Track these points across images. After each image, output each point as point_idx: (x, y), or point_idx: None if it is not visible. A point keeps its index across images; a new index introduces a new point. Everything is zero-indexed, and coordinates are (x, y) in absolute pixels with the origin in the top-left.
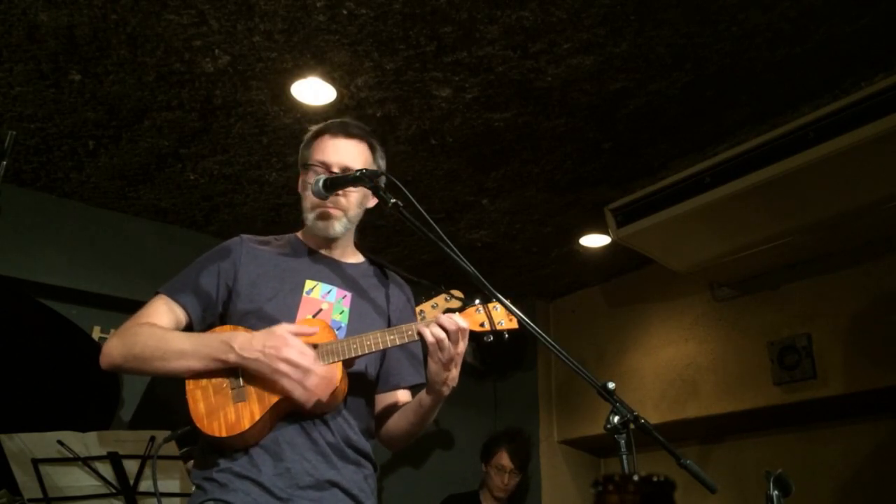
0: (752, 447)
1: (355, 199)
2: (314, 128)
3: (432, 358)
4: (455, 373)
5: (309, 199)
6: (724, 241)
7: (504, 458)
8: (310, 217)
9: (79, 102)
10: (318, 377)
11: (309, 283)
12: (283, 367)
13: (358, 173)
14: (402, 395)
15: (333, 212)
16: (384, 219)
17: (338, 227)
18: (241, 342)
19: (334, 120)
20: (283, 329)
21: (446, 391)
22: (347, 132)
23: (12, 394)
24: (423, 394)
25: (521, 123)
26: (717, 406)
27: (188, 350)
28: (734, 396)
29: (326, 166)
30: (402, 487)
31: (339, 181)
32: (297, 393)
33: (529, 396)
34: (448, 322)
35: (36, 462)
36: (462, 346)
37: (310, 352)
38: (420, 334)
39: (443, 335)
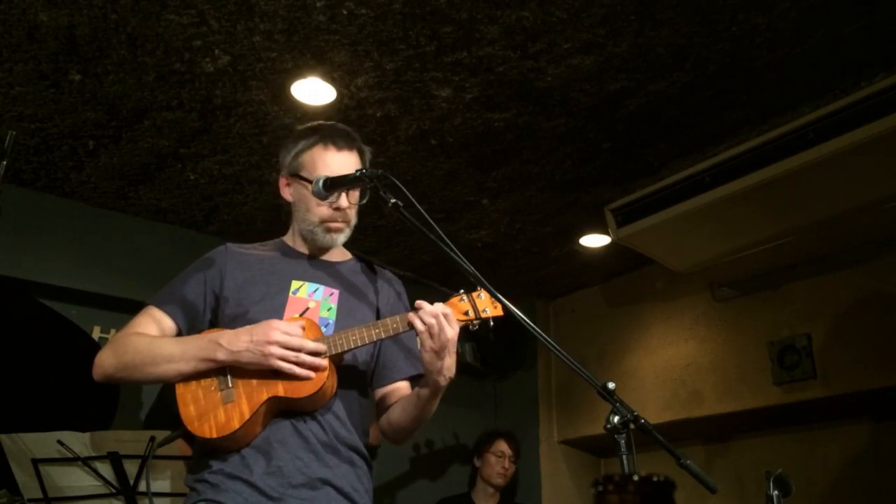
0: (752, 447)
1: (355, 210)
2: (306, 136)
3: (424, 347)
4: (449, 361)
5: (316, 211)
6: (724, 241)
7: (503, 445)
8: (316, 229)
9: (79, 102)
10: (311, 352)
11: (295, 284)
12: (274, 349)
13: (357, 173)
14: (402, 388)
15: (342, 225)
16: (384, 219)
17: (342, 238)
18: (229, 338)
19: (325, 127)
20: (267, 320)
21: (443, 381)
22: (347, 146)
23: (12, 394)
24: (420, 385)
25: (521, 123)
26: (717, 406)
27: (176, 353)
28: (734, 396)
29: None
30: (402, 487)
31: (339, 181)
32: (297, 371)
33: (529, 396)
34: (433, 309)
35: (36, 462)
36: (449, 331)
37: (297, 330)
38: (411, 324)
39: (432, 321)
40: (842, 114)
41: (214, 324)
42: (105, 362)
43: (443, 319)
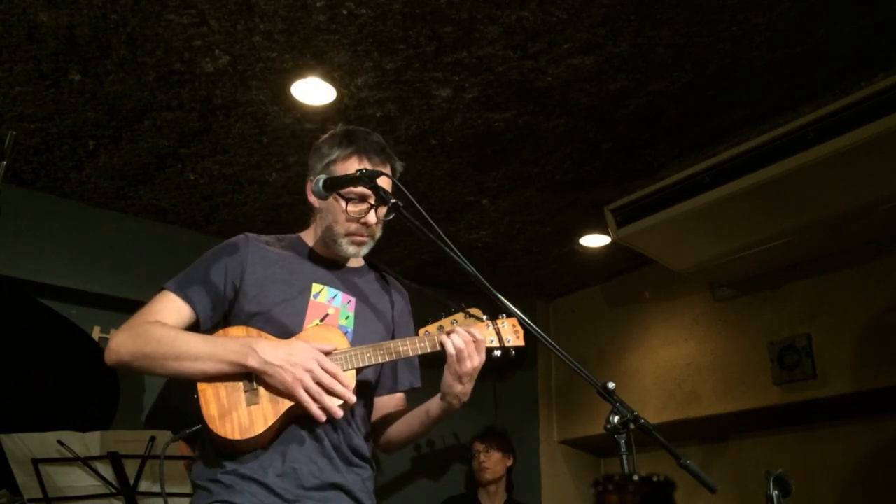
0: (752, 447)
1: (381, 224)
2: (341, 145)
3: (449, 369)
4: (468, 388)
5: (345, 224)
6: (724, 241)
7: (475, 445)
8: (341, 240)
9: (79, 102)
10: (337, 396)
11: (315, 287)
12: (307, 378)
13: (357, 173)
14: (398, 398)
15: (367, 239)
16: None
17: (364, 251)
18: (264, 348)
19: (360, 138)
20: (307, 343)
21: (457, 404)
22: (382, 161)
23: (12, 394)
24: (432, 404)
25: (521, 123)
26: (718, 406)
27: (204, 353)
28: (734, 396)
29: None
30: (402, 488)
31: (340, 181)
32: (312, 409)
33: (529, 396)
34: (465, 334)
35: (36, 462)
36: (477, 359)
37: (334, 367)
38: (441, 346)
39: (462, 346)
40: (842, 114)
41: (229, 316)
42: (122, 348)
43: (472, 347)
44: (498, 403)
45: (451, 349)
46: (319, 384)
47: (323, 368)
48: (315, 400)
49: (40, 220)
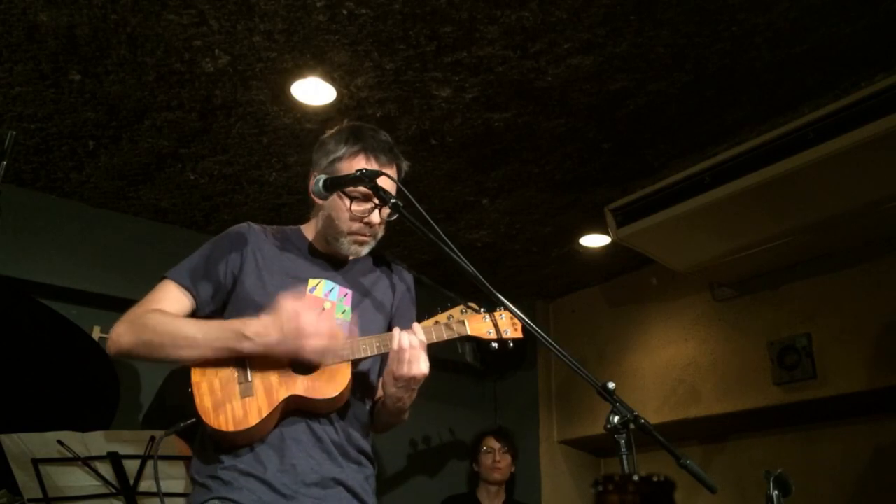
0: (752, 447)
1: (384, 224)
2: (348, 142)
3: (389, 365)
4: (405, 396)
5: (348, 223)
6: (724, 241)
7: (490, 441)
8: (343, 239)
9: (79, 102)
10: (341, 334)
11: (312, 281)
12: (307, 328)
13: (357, 173)
14: None
15: (369, 238)
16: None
17: (366, 250)
18: (257, 329)
19: (367, 136)
20: (288, 304)
21: (392, 406)
22: (389, 161)
23: (12, 394)
24: (382, 401)
25: (521, 123)
26: (717, 406)
27: (199, 339)
28: (734, 396)
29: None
30: (402, 487)
31: (339, 181)
32: (329, 358)
33: (529, 396)
34: (416, 337)
35: (36, 462)
36: (419, 367)
37: (326, 318)
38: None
39: (411, 346)
40: (842, 114)
41: (227, 305)
42: (122, 338)
43: (418, 352)
44: (498, 403)
45: (394, 345)
46: (321, 333)
47: (317, 323)
48: (329, 350)
49: (40, 220)
